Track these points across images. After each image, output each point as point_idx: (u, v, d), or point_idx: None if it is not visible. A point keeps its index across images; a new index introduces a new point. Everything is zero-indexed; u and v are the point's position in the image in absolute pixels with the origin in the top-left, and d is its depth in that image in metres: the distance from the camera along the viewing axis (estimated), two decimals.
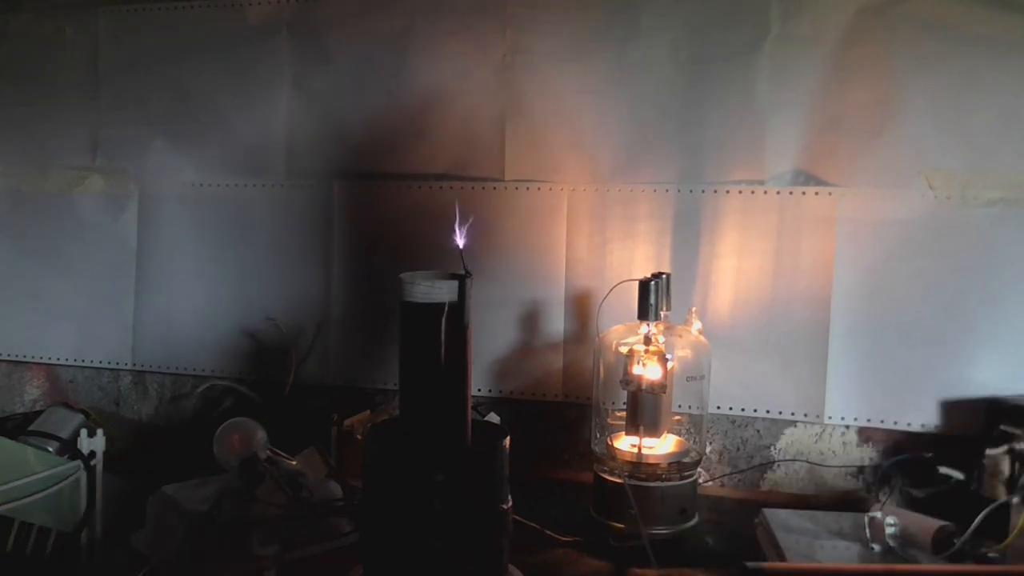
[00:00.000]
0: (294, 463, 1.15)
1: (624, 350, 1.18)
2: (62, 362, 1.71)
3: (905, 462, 1.27)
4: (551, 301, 1.46)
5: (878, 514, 1.07)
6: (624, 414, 1.20)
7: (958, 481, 1.11)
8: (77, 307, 1.69)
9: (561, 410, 1.47)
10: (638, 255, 1.41)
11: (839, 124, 1.33)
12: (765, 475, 1.39)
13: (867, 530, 1.06)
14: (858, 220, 1.32)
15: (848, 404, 1.34)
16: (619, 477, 1.13)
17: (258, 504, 1.03)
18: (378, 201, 1.54)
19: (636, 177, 1.42)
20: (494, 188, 1.48)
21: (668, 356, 1.15)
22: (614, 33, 1.41)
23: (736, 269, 1.38)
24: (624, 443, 1.17)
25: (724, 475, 1.40)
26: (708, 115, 1.38)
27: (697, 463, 1.18)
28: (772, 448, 1.39)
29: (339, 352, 1.56)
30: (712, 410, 1.35)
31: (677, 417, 1.23)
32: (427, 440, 0.85)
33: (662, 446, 1.17)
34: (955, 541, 0.99)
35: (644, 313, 1.17)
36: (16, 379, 1.75)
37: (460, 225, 0.90)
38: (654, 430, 1.17)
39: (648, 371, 1.15)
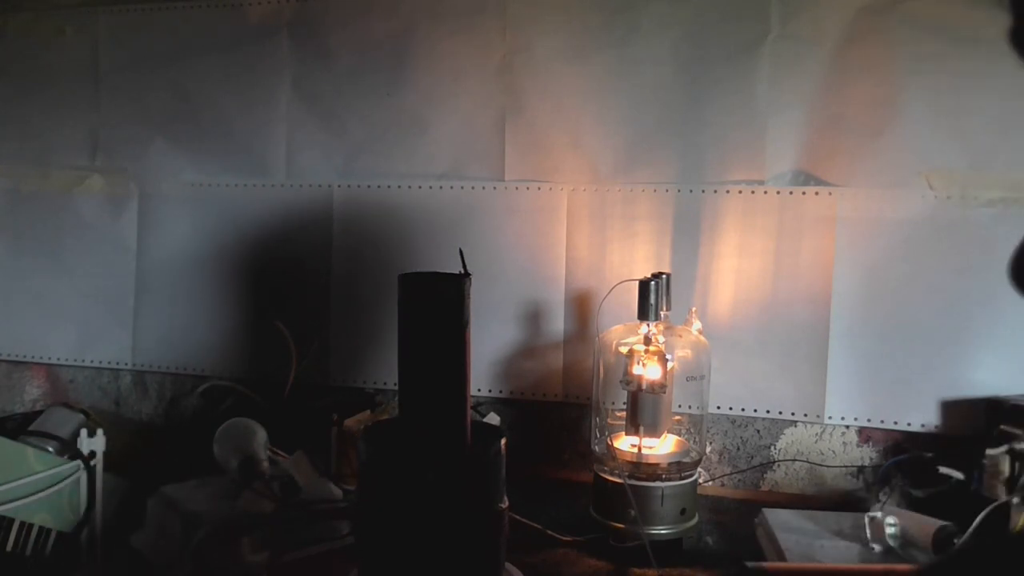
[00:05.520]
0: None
1: (624, 350, 1.18)
2: (62, 362, 1.71)
3: (905, 462, 1.27)
4: (551, 301, 1.46)
5: (878, 514, 1.07)
6: (624, 414, 1.20)
7: (958, 481, 1.11)
8: (77, 307, 1.69)
9: (561, 410, 1.47)
10: (638, 255, 1.41)
11: (839, 124, 1.33)
12: (765, 475, 1.39)
13: (867, 530, 1.06)
14: (858, 220, 1.32)
15: (848, 404, 1.34)
16: (619, 477, 1.13)
17: (245, 506, 1.02)
18: (378, 201, 1.54)
19: (636, 177, 1.42)
20: (494, 188, 1.48)
21: (668, 356, 1.15)
22: (614, 33, 1.41)
23: (736, 269, 1.38)
24: (624, 443, 1.17)
25: (724, 475, 1.40)
26: (708, 115, 1.38)
27: (697, 463, 1.18)
28: (772, 448, 1.39)
29: (339, 352, 1.56)
30: (712, 410, 1.35)
31: (677, 417, 1.23)
32: (423, 440, 0.85)
33: (662, 446, 1.17)
34: (955, 541, 0.99)
35: (644, 313, 1.17)
36: (16, 379, 1.75)
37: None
38: (654, 430, 1.17)
39: (648, 371, 1.15)
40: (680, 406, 1.22)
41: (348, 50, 1.54)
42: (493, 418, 1.41)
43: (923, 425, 1.31)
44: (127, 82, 1.65)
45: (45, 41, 1.68)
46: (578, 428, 1.46)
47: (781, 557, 1.05)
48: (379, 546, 0.85)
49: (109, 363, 1.69)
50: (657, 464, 1.14)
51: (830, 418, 1.35)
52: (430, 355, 0.85)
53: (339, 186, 1.56)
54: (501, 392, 1.49)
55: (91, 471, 1.18)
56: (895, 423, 1.32)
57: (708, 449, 1.39)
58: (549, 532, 1.16)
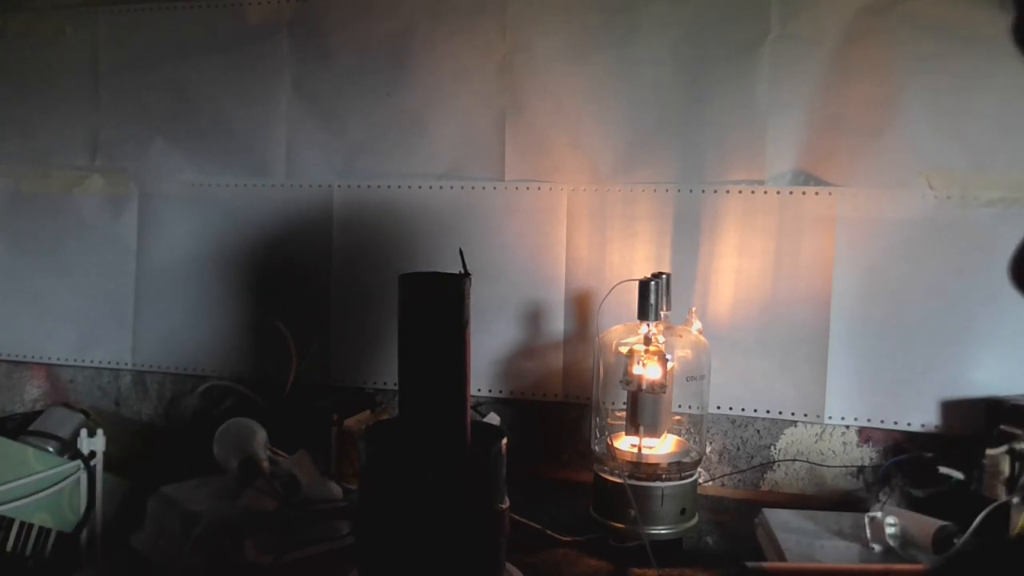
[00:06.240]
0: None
1: (624, 350, 1.18)
2: (62, 362, 1.71)
3: (905, 462, 1.27)
4: (551, 301, 1.46)
5: (878, 514, 1.07)
6: (624, 414, 1.20)
7: (958, 481, 1.11)
8: (77, 307, 1.69)
9: (561, 410, 1.47)
10: (638, 255, 1.41)
11: (839, 124, 1.33)
12: (765, 475, 1.39)
13: (867, 530, 1.06)
14: (858, 220, 1.32)
15: (848, 404, 1.34)
16: (619, 477, 1.13)
17: (247, 504, 1.02)
18: (378, 201, 1.54)
19: (636, 177, 1.42)
20: (494, 188, 1.48)
21: (668, 356, 1.15)
22: (614, 33, 1.41)
23: (736, 269, 1.38)
24: (624, 443, 1.17)
25: (724, 475, 1.40)
26: (708, 115, 1.38)
27: (697, 463, 1.18)
28: (772, 448, 1.39)
29: (339, 352, 1.56)
30: (712, 410, 1.35)
31: (677, 417, 1.22)
32: (423, 441, 0.85)
33: (662, 446, 1.17)
34: (955, 541, 0.99)
35: (644, 313, 1.17)
36: (16, 379, 1.75)
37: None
38: (654, 430, 1.17)
39: (648, 371, 1.15)
40: (680, 406, 1.22)
41: (348, 50, 1.54)
42: (493, 418, 1.41)
43: (923, 425, 1.31)
44: (127, 82, 1.65)
45: (45, 41, 1.68)
46: (578, 428, 1.46)
47: (781, 557, 1.05)
48: (380, 546, 0.85)
49: (109, 363, 1.69)
50: (657, 464, 1.14)
51: (830, 418, 1.35)
52: (430, 355, 0.85)
53: (339, 186, 1.56)
54: (501, 392, 1.49)
55: (91, 471, 1.18)
56: (895, 423, 1.32)
57: (708, 449, 1.39)
58: (549, 532, 1.16)
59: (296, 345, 1.54)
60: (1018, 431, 1.10)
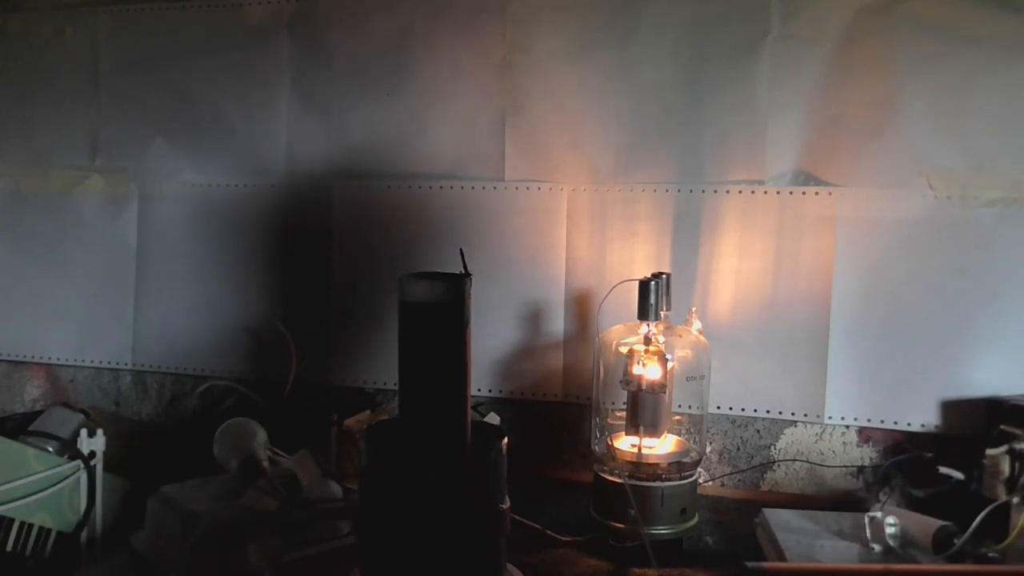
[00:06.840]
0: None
1: (624, 350, 1.18)
2: (62, 362, 1.71)
3: (905, 462, 1.27)
4: (551, 301, 1.46)
5: (878, 514, 1.07)
6: (624, 414, 1.20)
7: (958, 481, 1.11)
8: (77, 307, 1.69)
9: (561, 410, 1.47)
10: (638, 255, 1.41)
11: (839, 124, 1.33)
12: (765, 475, 1.39)
13: (867, 530, 1.06)
14: (858, 220, 1.32)
15: (848, 404, 1.34)
16: (619, 477, 1.13)
17: (248, 503, 1.02)
18: (378, 201, 1.54)
19: (636, 177, 1.42)
20: (494, 188, 1.48)
21: (668, 356, 1.15)
22: (614, 33, 1.41)
23: (736, 269, 1.38)
24: (624, 443, 1.17)
25: (724, 475, 1.40)
26: (708, 115, 1.38)
27: (697, 463, 1.18)
28: (772, 448, 1.39)
29: (339, 352, 1.56)
30: (712, 410, 1.35)
31: (677, 417, 1.23)
32: (425, 440, 0.85)
33: (662, 446, 1.17)
34: (955, 541, 0.99)
35: (644, 313, 1.17)
36: (16, 379, 1.75)
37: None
38: (654, 430, 1.17)
39: (648, 371, 1.16)
40: (680, 406, 1.22)
41: (348, 50, 1.54)
42: (493, 418, 1.41)
43: (923, 425, 1.31)
44: (127, 82, 1.65)
45: (45, 41, 1.68)
46: (578, 428, 1.46)
47: (781, 557, 1.05)
48: (381, 546, 0.85)
49: (109, 363, 1.69)
50: (657, 464, 1.14)
51: (830, 418, 1.35)
52: (430, 355, 0.85)
53: (339, 186, 1.56)
54: (501, 392, 1.49)
55: (91, 471, 1.18)
56: (895, 423, 1.32)
57: (708, 449, 1.39)
58: (549, 532, 1.16)
59: (296, 345, 1.54)
60: (1018, 431, 1.10)
